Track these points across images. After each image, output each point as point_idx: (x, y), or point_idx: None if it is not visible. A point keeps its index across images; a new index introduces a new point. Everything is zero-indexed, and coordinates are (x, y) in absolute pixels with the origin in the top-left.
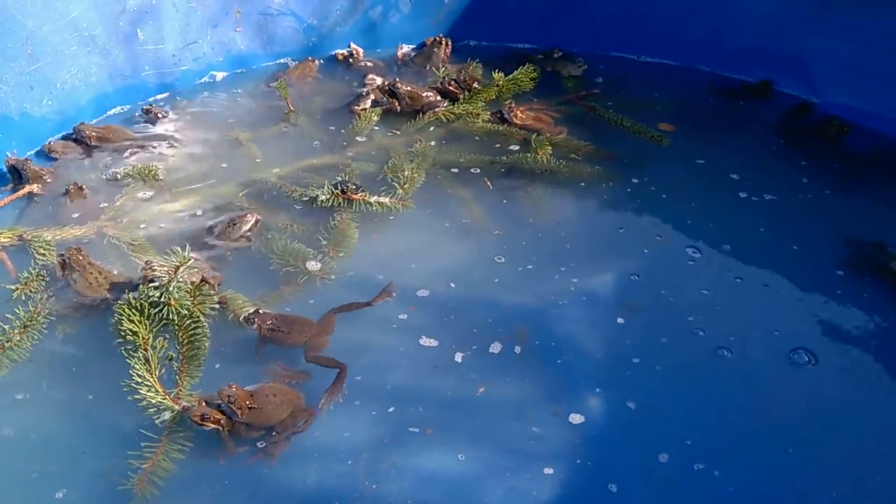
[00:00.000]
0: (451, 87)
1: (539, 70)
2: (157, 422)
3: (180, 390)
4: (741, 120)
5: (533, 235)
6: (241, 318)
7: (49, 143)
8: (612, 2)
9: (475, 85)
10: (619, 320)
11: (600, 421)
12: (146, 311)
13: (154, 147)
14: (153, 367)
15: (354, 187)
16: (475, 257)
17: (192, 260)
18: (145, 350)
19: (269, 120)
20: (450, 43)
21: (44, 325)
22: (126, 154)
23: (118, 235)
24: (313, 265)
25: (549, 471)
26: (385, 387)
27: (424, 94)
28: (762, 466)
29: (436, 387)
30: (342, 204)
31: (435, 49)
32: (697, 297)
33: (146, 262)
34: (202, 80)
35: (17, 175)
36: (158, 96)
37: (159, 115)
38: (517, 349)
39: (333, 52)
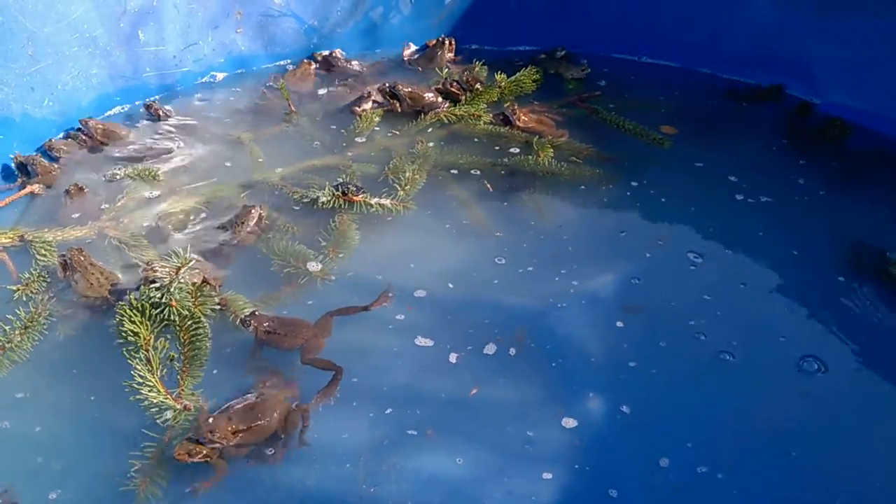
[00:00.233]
0: (452, 89)
1: (541, 72)
2: (158, 421)
3: (182, 390)
4: (743, 122)
5: (534, 238)
6: (237, 321)
7: (50, 141)
8: (613, 4)
9: (477, 86)
10: (619, 324)
11: (599, 425)
12: (147, 311)
13: (155, 147)
14: (154, 367)
15: (355, 189)
16: (476, 259)
17: (194, 261)
18: (147, 351)
19: (270, 121)
20: (454, 43)
21: (45, 326)
22: (127, 154)
23: (119, 236)
24: (314, 266)
25: (547, 475)
26: (382, 388)
27: (425, 95)
28: (764, 470)
29: (433, 388)
30: (343, 205)
31: (438, 50)
32: (699, 301)
33: (147, 263)
34: (203, 81)
35: (25, 172)
36: (159, 97)
37: (161, 113)
38: (512, 351)
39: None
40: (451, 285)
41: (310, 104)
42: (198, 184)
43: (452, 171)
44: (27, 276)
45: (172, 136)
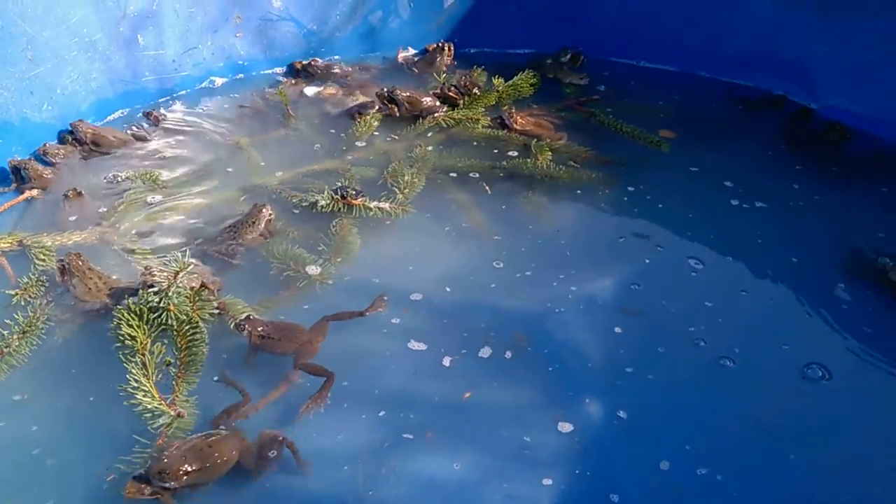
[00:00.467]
0: (450, 93)
1: (539, 76)
2: (150, 428)
3: (177, 396)
4: (742, 126)
5: (533, 241)
6: (231, 326)
7: (44, 145)
8: (612, 8)
9: (475, 90)
10: (617, 329)
11: (596, 429)
12: (145, 316)
13: (154, 152)
14: (150, 372)
15: (354, 192)
16: (474, 262)
17: (192, 265)
18: (143, 355)
19: (269, 125)
20: (452, 48)
21: (43, 331)
22: (126, 158)
23: (118, 241)
24: (313, 270)
25: (547, 480)
26: (376, 392)
27: (423, 100)
28: (764, 472)
29: (426, 392)
30: (342, 209)
31: (438, 55)
32: (699, 308)
33: (146, 268)
34: (202, 86)
35: (19, 176)
36: (158, 101)
37: (160, 119)
38: (508, 354)
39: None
40: (448, 289)
41: (308, 108)
42: (197, 188)
43: (451, 175)
44: (25, 280)
45: (171, 140)
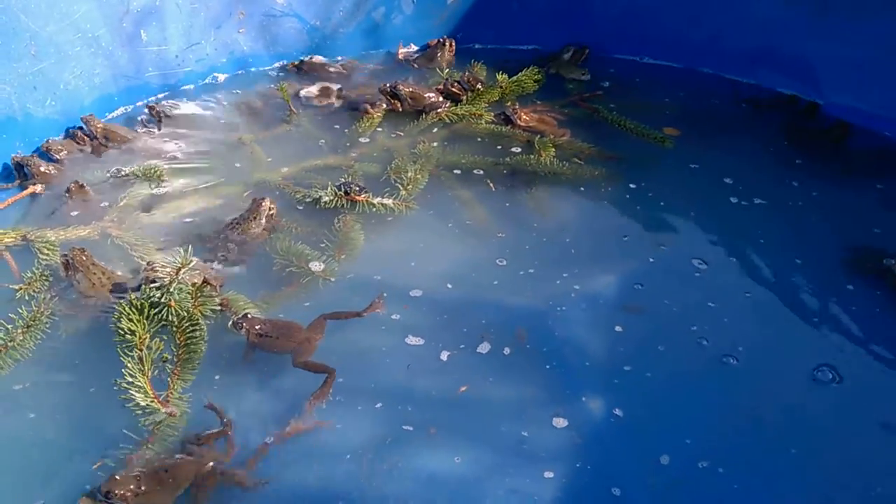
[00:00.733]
0: (453, 89)
1: (542, 72)
2: (141, 424)
3: (170, 393)
4: (746, 124)
5: (536, 239)
6: (228, 324)
7: (48, 141)
8: (616, 4)
9: (478, 86)
10: (618, 328)
11: (596, 424)
12: (146, 310)
13: (157, 147)
14: (146, 367)
15: (358, 189)
16: (477, 259)
17: (194, 261)
18: (140, 350)
19: (272, 121)
20: (454, 44)
21: (47, 325)
22: (129, 154)
23: (121, 236)
24: (316, 266)
25: (549, 474)
26: (373, 387)
27: (427, 95)
28: (765, 466)
29: (428, 386)
30: (345, 205)
31: (439, 51)
32: (702, 307)
33: (148, 263)
34: (205, 81)
35: (22, 172)
36: (161, 96)
37: (163, 114)
38: (506, 350)
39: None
40: (449, 286)
41: (309, 105)
42: (200, 184)
43: (455, 171)
44: (29, 275)
45: (174, 136)
